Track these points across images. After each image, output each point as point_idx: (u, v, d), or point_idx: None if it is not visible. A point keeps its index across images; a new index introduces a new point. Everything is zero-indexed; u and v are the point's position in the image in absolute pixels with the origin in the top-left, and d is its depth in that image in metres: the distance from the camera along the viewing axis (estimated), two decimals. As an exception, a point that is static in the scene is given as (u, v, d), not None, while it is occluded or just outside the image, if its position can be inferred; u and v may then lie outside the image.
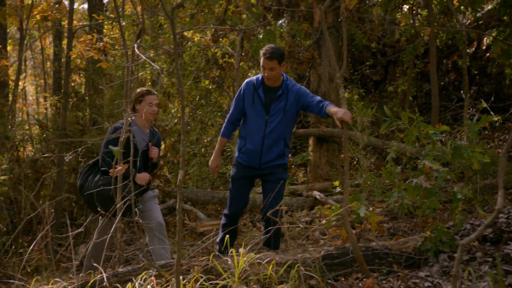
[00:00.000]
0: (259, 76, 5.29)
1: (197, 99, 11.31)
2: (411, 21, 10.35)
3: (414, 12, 11.29)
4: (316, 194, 8.75)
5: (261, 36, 10.67)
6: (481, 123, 5.15)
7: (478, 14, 10.37)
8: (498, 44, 8.45)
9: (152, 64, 3.94)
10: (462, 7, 10.47)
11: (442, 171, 4.93)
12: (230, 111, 5.42)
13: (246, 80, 5.33)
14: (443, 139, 5.68)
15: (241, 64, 10.62)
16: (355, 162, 9.77)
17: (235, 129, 5.57)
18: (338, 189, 7.86)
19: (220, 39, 10.35)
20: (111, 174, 4.66)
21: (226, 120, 5.46)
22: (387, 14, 8.85)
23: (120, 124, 5.19)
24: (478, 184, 6.59)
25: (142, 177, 5.34)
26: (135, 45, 4.33)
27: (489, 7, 11.01)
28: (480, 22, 10.34)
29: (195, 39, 11.73)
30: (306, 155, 10.16)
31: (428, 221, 6.43)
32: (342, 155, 8.70)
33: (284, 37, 12.00)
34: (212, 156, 5.48)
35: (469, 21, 11.95)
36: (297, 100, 5.24)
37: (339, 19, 10.84)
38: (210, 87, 11.44)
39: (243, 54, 10.54)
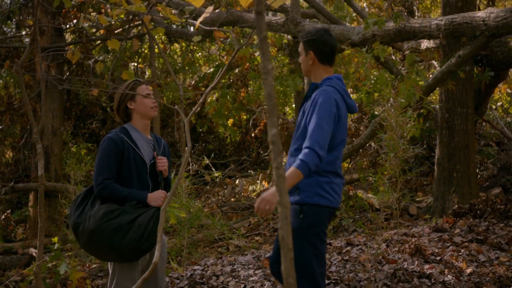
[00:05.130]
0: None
1: None
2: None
3: (139, 71, 11.70)
4: (33, 251, 8.39)
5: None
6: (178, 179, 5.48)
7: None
8: (212, 104, 9.14)
9: None
10: (186, 68, 11.13)
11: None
12: (327, 132, 3.34)
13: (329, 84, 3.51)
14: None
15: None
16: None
17: None
18: (57, 246, 7.64)
19: None
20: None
21: (320, 148, 3.29)
22: (110, 70, 9.03)
23: (114, 133, 3.79)
24: (185, 239, 6.92)
25: (157, 196, 3.73)
26: None
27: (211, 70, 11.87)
28: (200, 84, 11.08)
29: None
30: (26, 210, 9.75)
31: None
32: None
33: (8, 87, 11.55)
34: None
35: (193, 81, 12.72)
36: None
37: (68, 73, 10.78)
38: None
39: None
